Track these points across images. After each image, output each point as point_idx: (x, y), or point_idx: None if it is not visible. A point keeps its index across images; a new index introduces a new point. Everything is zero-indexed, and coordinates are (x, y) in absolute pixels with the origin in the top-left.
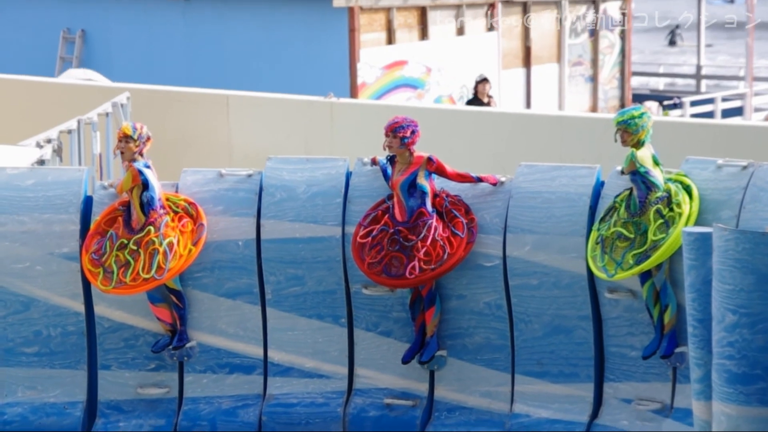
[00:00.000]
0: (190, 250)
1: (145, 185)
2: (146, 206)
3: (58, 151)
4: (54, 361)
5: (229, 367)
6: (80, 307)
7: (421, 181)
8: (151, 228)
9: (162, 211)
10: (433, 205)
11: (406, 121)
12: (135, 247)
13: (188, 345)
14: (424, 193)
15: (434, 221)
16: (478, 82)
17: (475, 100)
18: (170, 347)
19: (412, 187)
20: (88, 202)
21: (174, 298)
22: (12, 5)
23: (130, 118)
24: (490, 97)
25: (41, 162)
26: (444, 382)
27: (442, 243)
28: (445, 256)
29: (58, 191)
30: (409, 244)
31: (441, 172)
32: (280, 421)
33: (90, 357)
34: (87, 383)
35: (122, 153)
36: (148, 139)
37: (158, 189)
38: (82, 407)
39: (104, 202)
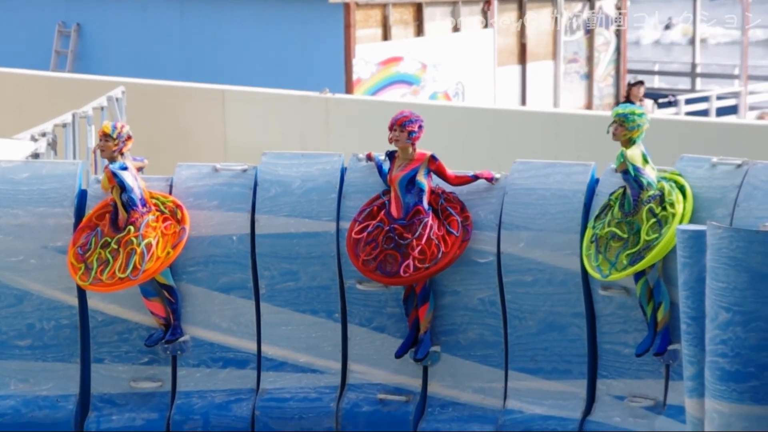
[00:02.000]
0: (168, 253)
1: (122, 187)
2: (127, 206)
3: (52, 145)
4: (47, 354)
5: (223, 362)
6: (74, 301)
7: (421, 178)
8: (131, 228)
9: (144, 210)
10: (429, 202)
11: (414, 116)
12: (116, 246)
13: (181, 339)
14: (421, 191)
15: (430, 219)
16: (631, 85)
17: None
18: (163, 341)
19: (410, 183)
20: (82, 195)
21: (166, 293)
22: None
23: (126, 113)
24: (641, 100)
25: (36, 155)
26: (437, 378)
27: (437, 242)
28: (440, 255)
29: (53, 185)
30: (405, 242)
31: (441, 172)
32: (273, 415)
33: (83, 350)
34: (80, 376)
35: (102, 151)
36: (129, 138)
37: (138, 189)
38: (74, 400)
39: (98, 195)
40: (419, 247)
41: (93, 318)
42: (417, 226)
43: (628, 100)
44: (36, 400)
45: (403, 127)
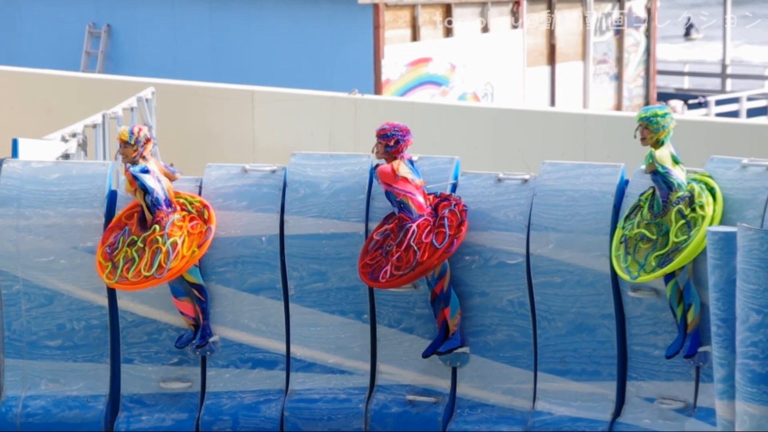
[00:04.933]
0: (193, 252)
1: (144, 189)
2: (152, 207)
3: (83, 146)
4: (77, 355)
5: (252, 362)
6: (104, 301)
7: (388, 189)
8: (157, 227)
9: (169, 210)
10: (435, 206)
11: (394, 129)
12: (142, 245)
13: (211, 340)
14: (393, 201)
15: (415, 225)
16: None
17: None
18: (194, 344)
19: (388, 195)
20: (112, 196)
21: (196, 292)
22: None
23: (155, 113)
24: None
25: (66, 156)
26: (466, 379)
27: (415, 249)
28: (414, 263)
29: (83, 185)
30: (389, 248)
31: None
32: (302, 416)
33: (113, 351)
34: (110, 377)
35: (123, 157)
36: (147, 140)
37: (161, 189)
38: (104, 401)
39: (128, 196)
40: (398, 254)
41: (123, 318)
42: (399, 232)
43: None
44: (66, 400)
45: (380, 140)
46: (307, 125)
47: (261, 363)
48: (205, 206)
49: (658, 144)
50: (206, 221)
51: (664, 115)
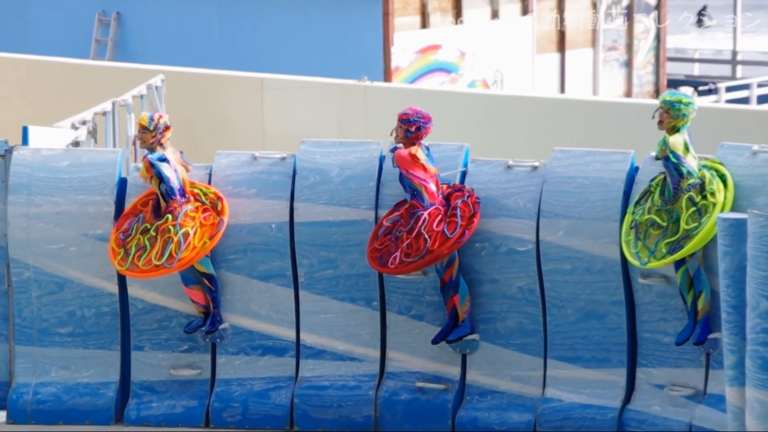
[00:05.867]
0: (205, 243)
1: (159, 178)
2: (166, 195)
3: (92, 133)
4: (88, 342)
5: (262, 349)
6: (114, 288)
7: (406, 174)
8: (169, 216)
9: (183, 200)
10: (447, 196)
11: (417, 115)
12: (154, 234)
13: (221, 327)
14: (409, 187)
15: (426, 213)
16: None
17: None
18: (203, 330)
19: (402, 180)
20: (122, 183)
21: (206, 282)
22: None
23: (165, 101)
24: None
25: (76, 143)
26: (476, 366)
27: (426, 237)
28: (424, 251)
29: (93, 173)
30: (399, 234)
31: (400, 163)
32: (311, 403)
33: (123, 338)
34: (120, 364)
35: (141, 142)
36: (167, 128)
37: (176, 179)
38: (115, 387)
39: (138, 183)
40: (408, 241)
41: (133, 306)
42: (411, 219)
43: None
44: (77, 387)
45: (401, 124)
46: (317, 112)
47: (271, 350)
48: (218, 198)
49: (673, 130)
50: (219, 213)
51: (687, 104)
